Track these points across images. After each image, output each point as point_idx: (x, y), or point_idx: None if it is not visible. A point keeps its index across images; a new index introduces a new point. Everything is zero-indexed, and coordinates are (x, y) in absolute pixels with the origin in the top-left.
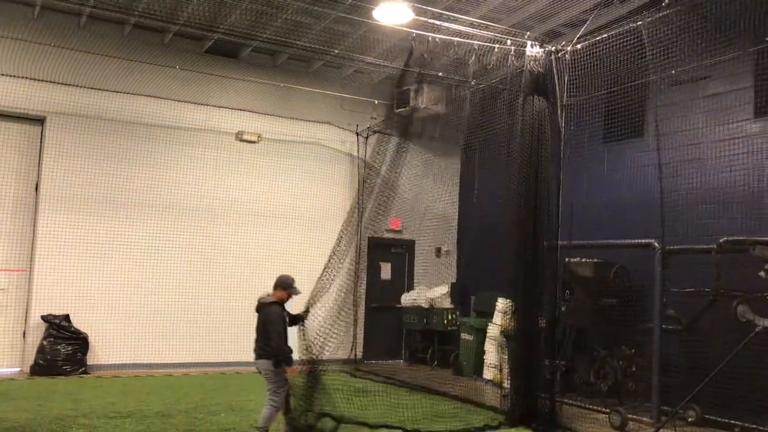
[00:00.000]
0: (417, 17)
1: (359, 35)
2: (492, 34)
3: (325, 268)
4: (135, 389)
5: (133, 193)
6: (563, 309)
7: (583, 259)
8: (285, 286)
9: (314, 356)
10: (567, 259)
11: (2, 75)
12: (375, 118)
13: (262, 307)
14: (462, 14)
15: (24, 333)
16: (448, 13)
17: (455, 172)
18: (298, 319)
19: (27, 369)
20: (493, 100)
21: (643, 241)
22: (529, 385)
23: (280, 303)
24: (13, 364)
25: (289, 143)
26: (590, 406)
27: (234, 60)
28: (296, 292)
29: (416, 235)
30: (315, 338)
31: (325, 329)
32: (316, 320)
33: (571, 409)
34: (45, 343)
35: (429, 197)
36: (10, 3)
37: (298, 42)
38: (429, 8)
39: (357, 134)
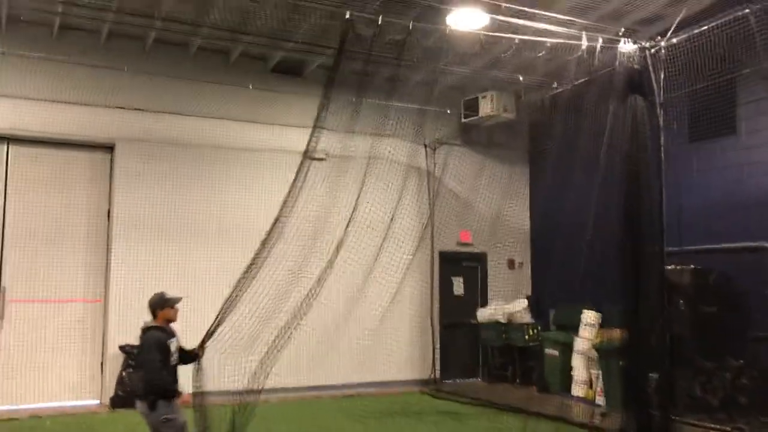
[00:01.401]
0: (495, 17)
1: (428, 44)
2: (576, 31)
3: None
4: (218, 417)
5: (204, 216)
6: (663, 319)
7: (679, 266)
8: (160, 304)
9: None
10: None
11: (70, 103)
12: (441, 129)
13: (141, 334)
14: (533, 18)
15: (102, 364)
16: (528, 9)
17: (524, 180)
18: (191, 358)
19: (106, 401)
20: (576, 102)
21: (752, 244)
22: (640, 401)
23: (163, 328)
24: (92, 396)
25: (356, 159)
26: (706, 424)
27: (299, 78)
28: (175, 300)
29: (488, 247)
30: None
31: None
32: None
33: (682, 426)
34: (124, 374)
35: (498, 207)
36: (77, 30)
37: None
38: (507, 5)
39: (425, 146)
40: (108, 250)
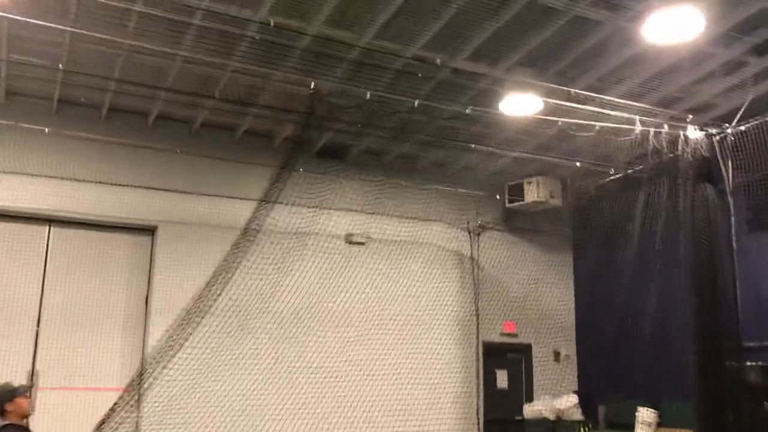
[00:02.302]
0: (549, 101)
1: (475, 129)
2: (631, 116)
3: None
4: None
5: (245, 302)
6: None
7: (760, 363)
8: (7, 397)
9: None
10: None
11: (112, 185)
12: (484, 214)
13: None
14: (584, 101)
15: None
16: (584, 92)
17: (568, 268)
18: None
19: None
20: (632, 188)
21: None
22: None
23: (18, 426)
24: None
25: (397, 244)
26: None
27: (341, 161)
28: (24, 390)
29: (532, 338)
30: None
31: None
32: None
33: None
34: None
35: (542, 296)
36: (124, 112)
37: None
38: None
39: (469, 232)
40: (145, 336)
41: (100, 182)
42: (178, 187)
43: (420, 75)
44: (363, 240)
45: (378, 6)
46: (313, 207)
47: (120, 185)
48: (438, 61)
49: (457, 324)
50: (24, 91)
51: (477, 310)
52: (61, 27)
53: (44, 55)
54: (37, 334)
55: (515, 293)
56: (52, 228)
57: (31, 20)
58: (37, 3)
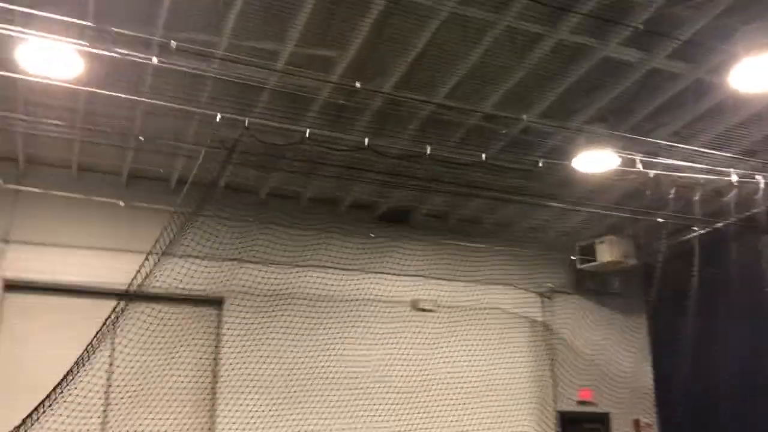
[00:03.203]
0: (626, 155)
1: (543, 187)
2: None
3: None
4: None
5: (317, 373)
6: None
7: None
8: None
9: None
10: None
11: (179, 256)
12: (554, 277)
13: None
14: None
15: None
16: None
17: (643, 331)
18: None
19: None
20: (717, 245)
21: None
22: None
23: None
24: None
25: (465, 309)
26: None
27: (405, 225)
28: None
29: (610, 406)
30: None
31: None
32: None
33: None
34: None
35: (618, 362)
36: (191, 184)
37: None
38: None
39: (540, 295)
40: (213, 413)
41: (165, 254)
42: (244, 257)
43: (489, 132)
44: (430, 306)
45: (449, 68)
46: (378, 272)
47: (187, 256)
48: (524, 117)
49: (530, 393)
50: (95, 165)
51: (552, 378)
52: (136, 98)
53: (114, 129)
54: (105, 413)
55: (590, 359)
56: (120, 302)
57: (111, 93)
58: (111, 75)
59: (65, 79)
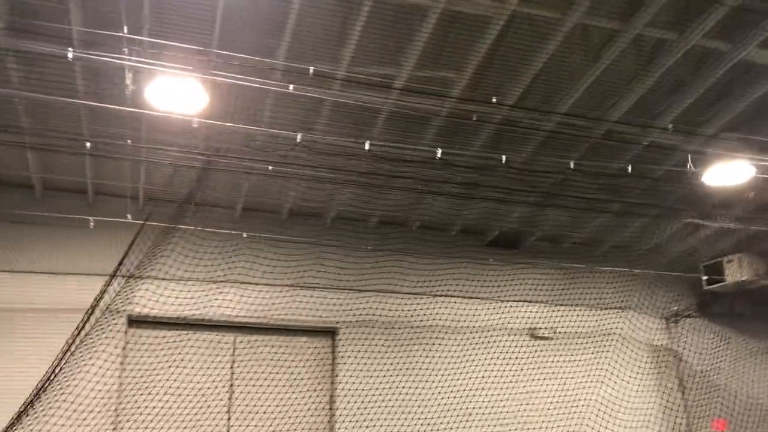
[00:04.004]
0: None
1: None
2: None
3: None
4: None
5: (429, 404)
6: None
7: None
8: None
9: None
10: None
11: (292, 287)
12: (679, 299)
13: None
14: None
15: None
16: None
17: None
18: None
19: None
20: None
21: None
22: None
23: None
24: None
25: (584, 336)
26: None
27: (515, 251)
28: None
29: None
30: None
31: None
32: None
33: None
34: None
35: (754, 389)
36: (304, 216)
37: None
38: None
39: (664, 319)
40: None
41: (278, 285)
42: (357, 286)
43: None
44: (548, 334)
45: (570, 82)
46: (492, 300)
47: (299, 287)
48: (670, 127)
49: (659, 424)
50: (212, 200)
51: (683, 408)
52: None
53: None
54: None
55: (722, 387)
56: (236, 335)
57: (237, 125)
58: (231, 106)
59: (190, 113)
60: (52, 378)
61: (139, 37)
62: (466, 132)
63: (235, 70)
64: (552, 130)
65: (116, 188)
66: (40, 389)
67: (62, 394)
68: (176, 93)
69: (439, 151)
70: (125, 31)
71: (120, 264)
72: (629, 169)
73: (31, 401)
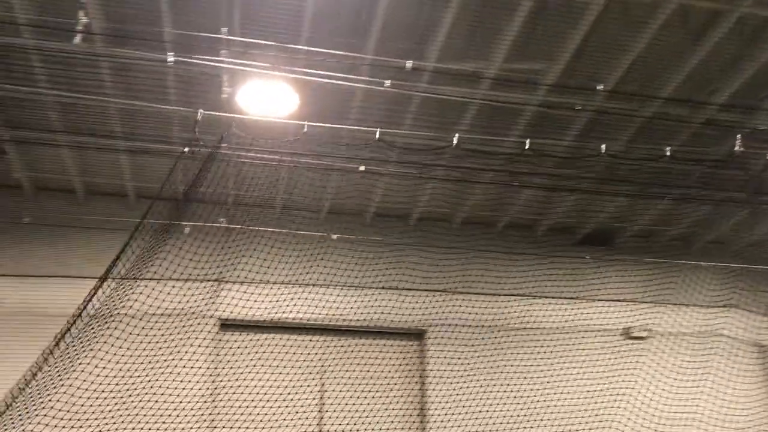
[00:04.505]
0: None
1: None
2: None
3: None
4: None
5: (521, 406)
6: None
7: None
8: None
9: None
10: None
11: (379, 289)
12: None
13: None
14: None
15: None
16: None
17: None
18: None
19: None
20: None
21: None
22: None
23: None
24: None
25: (683, 336)
26: None
27: (608, 248)
28: None
29: None
30: None
31: None
32: None
33: None
34: None
35: None
36: (388, 217)
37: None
38: None
39: None
40: None
41: (364, 287)
42: (445, 287)
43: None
44: (644, 334)
45: (671, 67)
46: (583, 299)
47: (386, 289)
48: None
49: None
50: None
51: None
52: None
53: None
54: None
55: None
56: (325, 338)
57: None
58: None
59: (282, 115)
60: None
61: (235, 38)
62: (559, 123)
63: (324, 68)
64: (650, 116)
65: (207, 195)
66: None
67: (156, 396)
68: (268, 95)
69: (528, 142)
70: (224, 32)
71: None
72: (732, 155)
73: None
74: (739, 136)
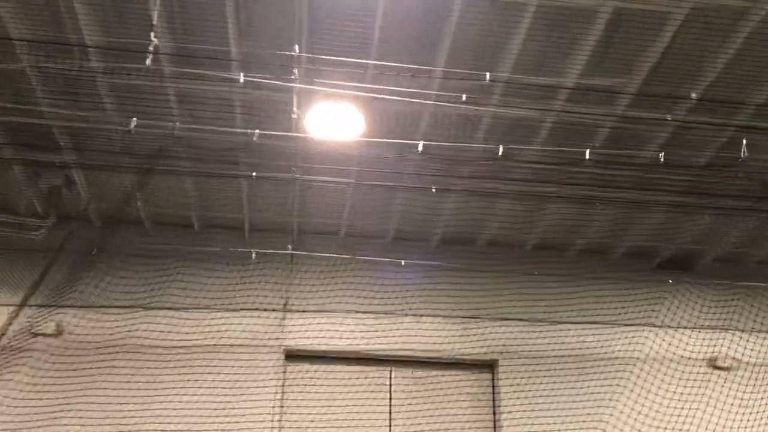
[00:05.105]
0: None
1: None
2: None
3: None
4: None
5: None
6: None
7: None
8: None
9: None
10: None
11: (448, 317)
12: None
13: None
14: None
15: None
16: None
17: None
18: None
19: None
20: None
21: None
22: None
23: None
24: None
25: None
26: None
27: (687, 272)
28: None
29: None
30: None
31: None
32: None
33: None
34: None
35: None
36: (453, 243)
37: None
38: None
39: None
40: None
41: (435, 315)
42: (517, 315)
43: None
44: (730, 364)
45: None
46: (663, 326)
47: (456, 317)
48: None
49: None
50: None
51: None
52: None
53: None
54: None
55: None
56: (393, 371)
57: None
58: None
59: (349, 138)
60: None
61: (306, 55)
62: (636, 138)
63: (391, 85)
64: (739, 125)
65: (271, 223)
66: None
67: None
68: (336, 117)
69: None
70: (297, 50)
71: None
72: None
73: None
74: None
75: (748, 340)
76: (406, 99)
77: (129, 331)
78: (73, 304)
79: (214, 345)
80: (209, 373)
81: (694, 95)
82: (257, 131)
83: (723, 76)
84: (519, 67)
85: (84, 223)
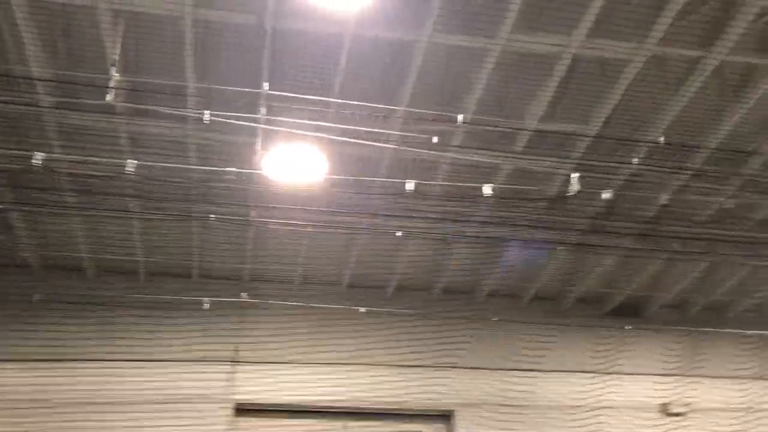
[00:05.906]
0: None
1: None
2: None
3: None
4: None
5: None
6: None
7: None
8: None
9: None
10: None
11: (401, 366)
12: None
13: None
14: None
15: None
16: None
17: None
18: None
19: None
20: None
21: None
22: None
23: None
24: None
25: (725, 412)
26: None
27: (636, 318)
28: None
29: None
30: None
31: None
32: None
33: None
34: None
35: None
36: (410, 290)
37: None
38: None
39: None
40: None
41: (387, 365)
42: (471, 363)
43: None
44: (683, 410)
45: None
46: (614, 373)
47: (409, 366)
48: None
49: None
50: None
51: None
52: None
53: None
54: None
55: None
56: (345, 421)
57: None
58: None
59: (311, 182)
60: None
61: (269, 92)
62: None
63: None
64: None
65: (223, 269)
66: None
67: None
68: (298, 160)
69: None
70: (265, 87)
71: None
72: None
73: None
74: None
75: (699, 386)
76: (367, 142)
77: (69, 385)
78: (8, 357)
79: (160, 399)
80: (155, 427)
81: (662, 139)
82: (214, 168)
83: (676, 123)
84: (481, 112)
85: (22, 269)
